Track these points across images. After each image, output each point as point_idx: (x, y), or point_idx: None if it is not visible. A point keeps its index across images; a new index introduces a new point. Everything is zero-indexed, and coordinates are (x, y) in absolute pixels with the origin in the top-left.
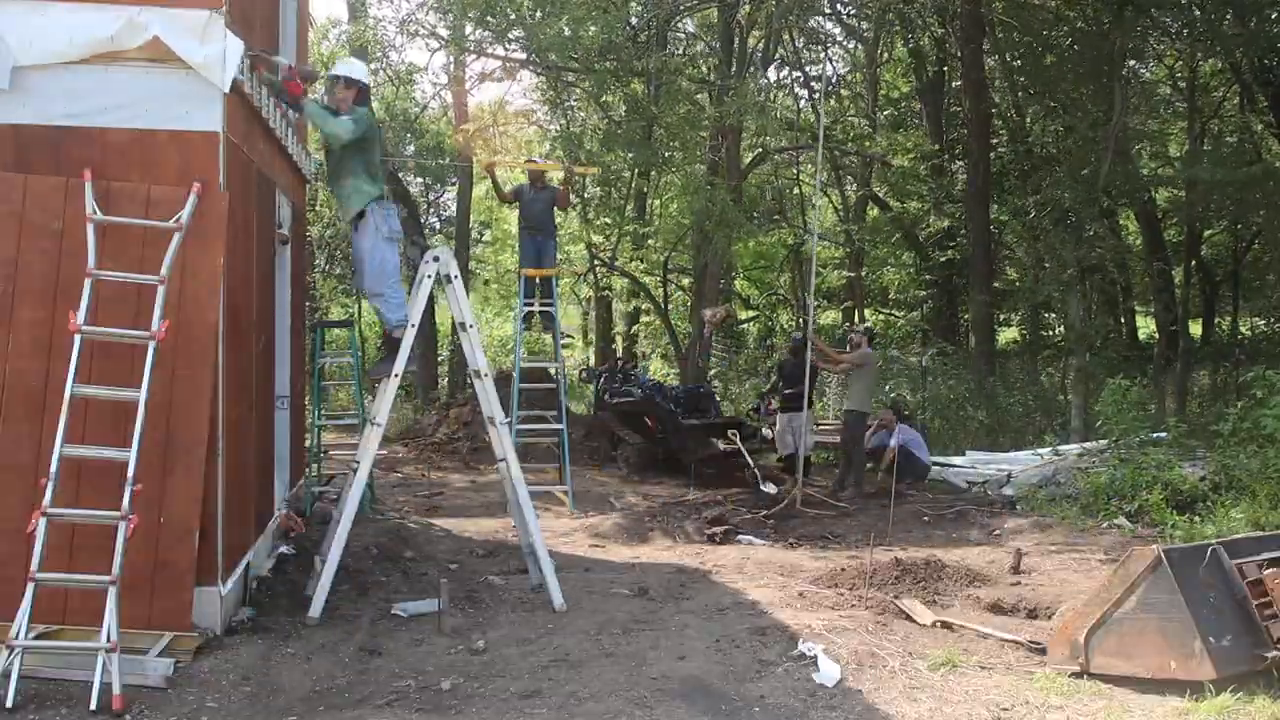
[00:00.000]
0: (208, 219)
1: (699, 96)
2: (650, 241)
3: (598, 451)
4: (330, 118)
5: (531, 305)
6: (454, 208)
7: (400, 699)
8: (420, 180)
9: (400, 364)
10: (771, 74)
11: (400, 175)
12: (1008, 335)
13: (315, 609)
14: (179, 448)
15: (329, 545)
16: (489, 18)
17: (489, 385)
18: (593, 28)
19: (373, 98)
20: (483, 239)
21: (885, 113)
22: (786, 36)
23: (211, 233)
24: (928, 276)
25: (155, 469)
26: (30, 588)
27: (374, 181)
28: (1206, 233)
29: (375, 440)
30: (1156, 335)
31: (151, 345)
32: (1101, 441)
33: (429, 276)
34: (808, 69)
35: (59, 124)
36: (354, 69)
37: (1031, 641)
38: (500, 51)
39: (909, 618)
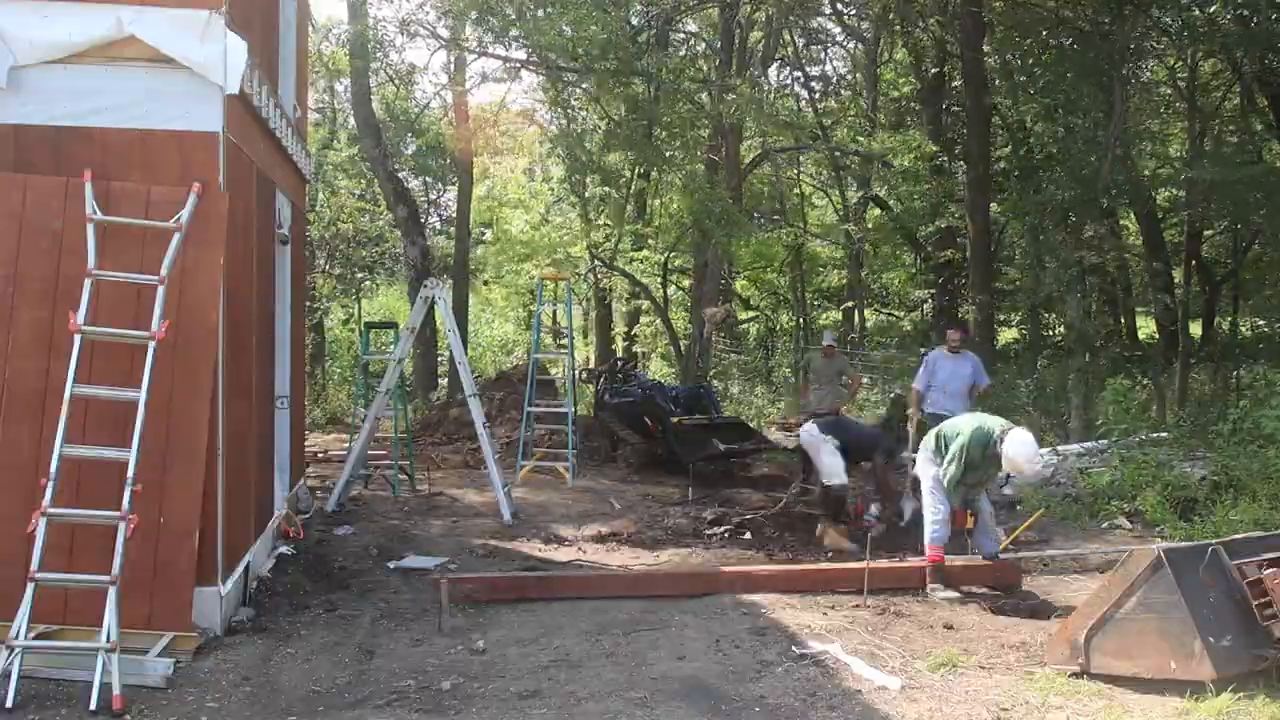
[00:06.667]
0: (208, 219)
1: (699, 96)
2: (650, 241)
3: (598, 451)
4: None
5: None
6: (454, 207)
7: (400, 699)
8: (420, 180)
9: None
10: (772, 74)
11: (400, 174)
12: (1008, 335)
13: (331, 503)
14: (179, 448)
15: (348, 463)
16: (489, 17)
17: (466, 372)
18: (593, 27)
19: (373, 97)
20: (484, 239)
21: (885, 113)
22: (787, 36)
23: (211, 233)
24: (929, 276)
25: (155, 469)
26: (30, 588)
27: None
28: (1206, 233)
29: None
30: (1156, 335)
31: (151, 345)
32: (1101, 441)
33: (425, 299)
34: (808, 69)
35: (59, 124)
36: None
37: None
38: (501, 51)
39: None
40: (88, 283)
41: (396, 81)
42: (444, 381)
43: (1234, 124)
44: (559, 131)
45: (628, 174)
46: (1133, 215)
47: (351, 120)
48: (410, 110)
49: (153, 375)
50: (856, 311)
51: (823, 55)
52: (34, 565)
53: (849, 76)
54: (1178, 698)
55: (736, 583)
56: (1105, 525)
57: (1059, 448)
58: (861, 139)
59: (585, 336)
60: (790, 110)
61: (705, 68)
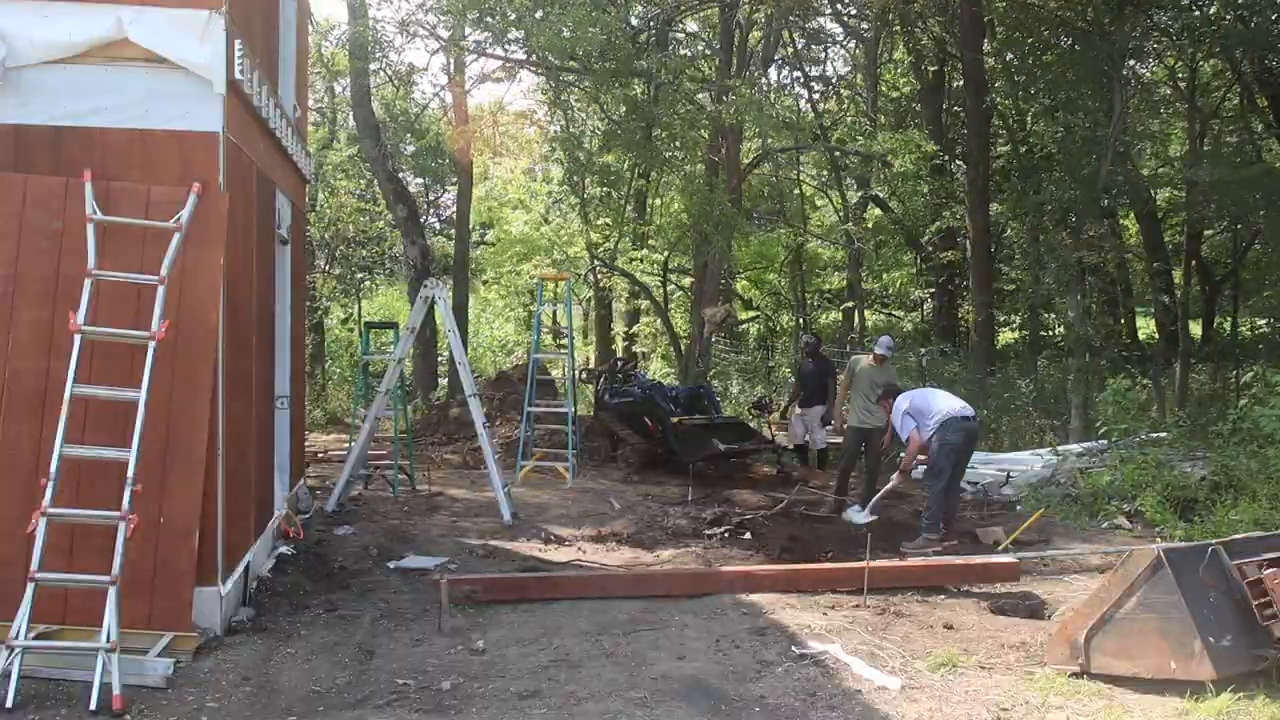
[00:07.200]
0: (208, 219)
1: (699, 96)
2: (651, 241)
3: (598, 451)
4: None
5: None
6: (454, 207)
7: (400, 699)
8: (420, 180)
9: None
10: (772, 74)
11: (400, 175)
12: (1008, 335)
13: (331, 503)
14: (179, 448)
15: (347, 463)
16: (488, 19)
17: (466, 372)
18: (592, 30)
19: (373, 98)
20: (485, 240)
21: (885, 113)
22: (787, 36)
23: (211, 233)
24: (929, 277)
25: (155, 469)
26: (30, 588)
27: None
28: (1206, 233)
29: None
30: (1156, 335)
31: (151, 345)
32: (1101, 441)
33: (425, 299)
34: (808, 69)
35: (59, 124)
36: None
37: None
38: (500, 52)
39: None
40: (88, 283)
41: (396, 82)
42: (444, 381)
43: (1234, 124)
44: (559, 132)
45: (627, 174)
46: (1133, 215)
47: (351, 120)
48: (410, 111)
49: (153, 375)
50: (856, 312)
51: (823, 55)
52: (34, 565)
53: (849, 76)
54: (1178, 698)
55: (736, 583)
56: (1105, 525)
57: (1059, 448)
58: (861, 139)
59: (585, 337)
60: (790, 110)
61: (705, 68)
